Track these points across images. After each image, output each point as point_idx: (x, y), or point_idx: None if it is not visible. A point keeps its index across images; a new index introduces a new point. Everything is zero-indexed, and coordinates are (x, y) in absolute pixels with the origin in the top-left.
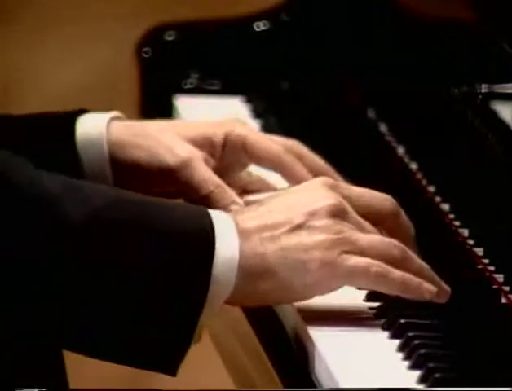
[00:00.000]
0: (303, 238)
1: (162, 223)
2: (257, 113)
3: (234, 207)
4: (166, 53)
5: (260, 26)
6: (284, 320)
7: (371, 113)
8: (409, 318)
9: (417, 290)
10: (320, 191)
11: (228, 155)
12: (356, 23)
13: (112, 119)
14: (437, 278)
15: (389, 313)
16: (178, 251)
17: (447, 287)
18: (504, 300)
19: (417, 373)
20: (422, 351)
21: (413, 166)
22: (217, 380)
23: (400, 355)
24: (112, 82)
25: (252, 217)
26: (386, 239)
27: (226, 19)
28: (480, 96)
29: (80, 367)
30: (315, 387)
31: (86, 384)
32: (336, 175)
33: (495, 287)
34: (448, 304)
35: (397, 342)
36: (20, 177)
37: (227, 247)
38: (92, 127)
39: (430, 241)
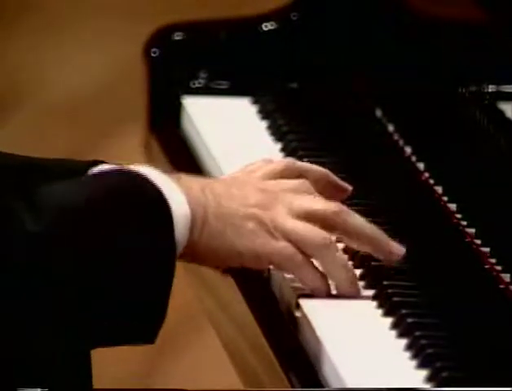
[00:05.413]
0: (239, 205)
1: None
2: (265, 114)
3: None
4: (174, 53)
5: (268, 26)
6: (291, 318)
7: (379, 113)
8: (416, 318)
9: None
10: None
11: None
12: (364, 23)
13: None
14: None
15: (396, 312)
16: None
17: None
18: (511, 300)
19: (424, 372)
20: (429, 350)
21: (421, 166)
22: (225, 381)
23: (408, 354)
24: (120, 83)
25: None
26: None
27: (234, 20)
28: (487, 96)
29: None
30: (322, 386)
31: None
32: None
33: (502, 286)
34: (454, 303)
35: (404, 341)
36: None
37: (178, 205)
38: None
39: (437, 241)
